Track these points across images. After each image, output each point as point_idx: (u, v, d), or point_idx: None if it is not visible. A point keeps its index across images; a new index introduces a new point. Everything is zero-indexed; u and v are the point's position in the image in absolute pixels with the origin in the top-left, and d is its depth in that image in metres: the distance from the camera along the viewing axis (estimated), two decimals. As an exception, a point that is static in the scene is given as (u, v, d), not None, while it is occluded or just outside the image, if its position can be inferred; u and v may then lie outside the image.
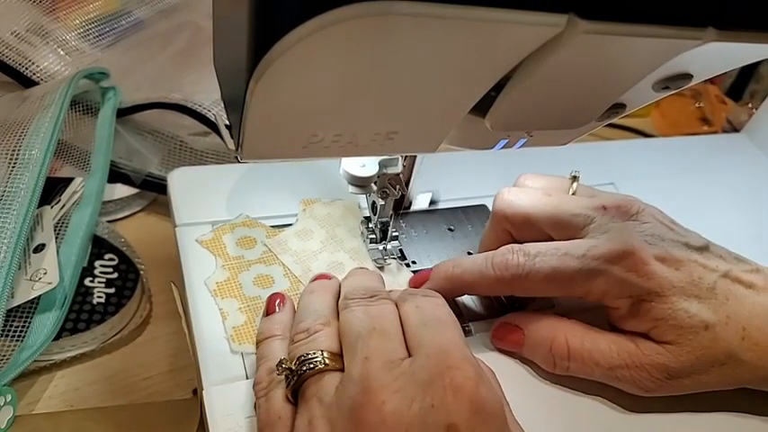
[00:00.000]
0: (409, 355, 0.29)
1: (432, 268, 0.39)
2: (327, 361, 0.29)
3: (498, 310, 0.39)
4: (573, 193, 0.40)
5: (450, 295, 0.39)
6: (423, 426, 0.25)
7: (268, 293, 0.37)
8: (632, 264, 0.34)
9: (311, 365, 0.29)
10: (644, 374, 0.34)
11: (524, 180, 0.42)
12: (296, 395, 0.30)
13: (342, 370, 0.29)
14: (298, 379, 0.29)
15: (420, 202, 0.45)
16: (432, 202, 0.44)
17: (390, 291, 0.37)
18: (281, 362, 0.30)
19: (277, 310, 0.35)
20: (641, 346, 0.34)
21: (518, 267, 0.35)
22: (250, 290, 0.38)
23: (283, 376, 0.30)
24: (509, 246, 0.36)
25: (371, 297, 0.33)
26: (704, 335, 0.33)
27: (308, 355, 0.30)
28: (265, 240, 0.41)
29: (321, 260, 0.41)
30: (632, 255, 0.34)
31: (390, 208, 0.40)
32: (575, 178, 0.40)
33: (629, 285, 0.34)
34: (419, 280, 0.39)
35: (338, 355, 0.30)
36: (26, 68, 0.51)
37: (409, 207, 0.44)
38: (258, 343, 0.34)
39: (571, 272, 0.34)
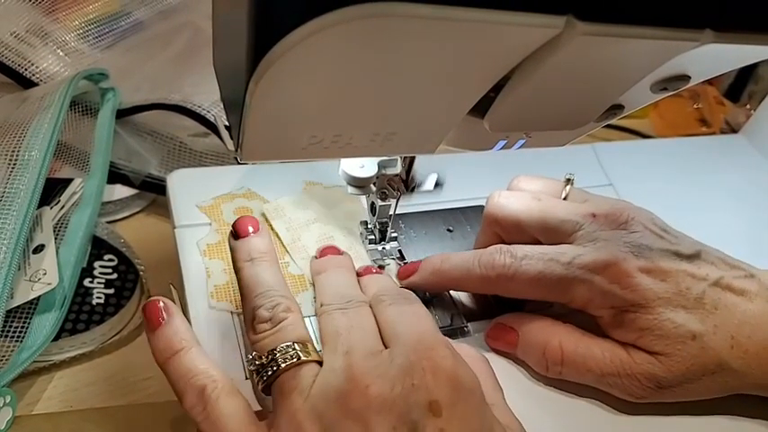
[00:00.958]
0: (386, 347, 0.30)
1: (421, 260, 0.39)
2: (302, 354, 0.29)
3: (496, 311, 0.39)
4: (566, 197, 0.40)
5: (436, 289, 0.39)
6: (406, 405, 0.26)
7: None
8: (616, 275, 0.34)
9: (288, 359, 0.29)
10: (635, 383, 0.34)
11: (518, 182, 0.42)
12: (266, 391, 0.30)
13: (316, 360, 0.30)
14: (273, 374, 0.29)
15: (426, 183, 0.45)
16: (437, 184, 0.43)
17: (361, 269, 0.38)
18: (253, 358, 0.30)
19: (163, 320, 0.32)
20: (633, 354, 0.34)
21: (504, 268, 0.35)
22: None
23: (253, 374, 0.30)
24: (497, 246, 0.37)
25: (347, 302, 0.33)
26: (692, 344, 0.33)
27: (280, 348, 0.30)
28: (262, 207, 0.42)
29: (312, 231, 0.41)
30: (616, 266, 0.34)
31: (389, 209, 0.40)
32: (568, 181, 0.40)
33: (612, 296, 0.34)
34: (407, 271, 0.39)
35: (311, 345, 0.31)
36: (25, 69, 0.51)
37: (414, 190, 0.43)
38: (163, 363, 0.31)
39: (556, 278, 0.34)
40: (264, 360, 0.30)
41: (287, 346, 0.30)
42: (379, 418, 0.26)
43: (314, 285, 0.37)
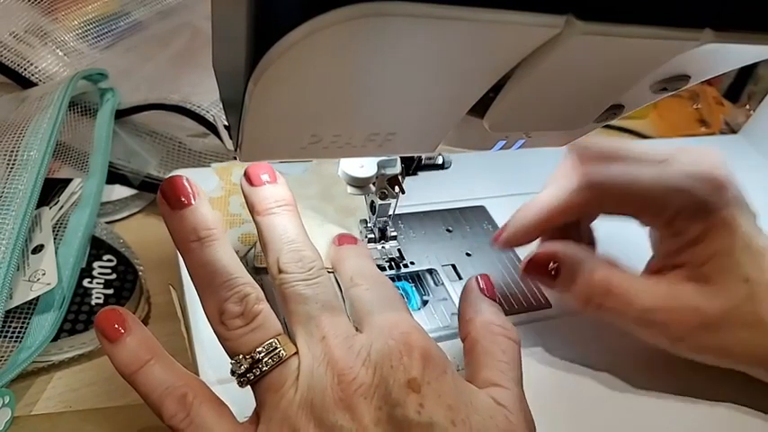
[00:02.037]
0: (361, 330, 0.30)
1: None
2: (283, 352, 0.29)
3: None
4: None
5: (530, 237, 0.40)
6: (387, 386, 0.27)
7: (247, 214, 0.38)
8: (715, 185, 0.35)
9: (272, 360, 0.29)
10: (676, 317, 0.34)
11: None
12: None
13: (294, 353, 0.29)
14: (260, 373, 0.29)
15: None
16: (444, 163, 0.42)
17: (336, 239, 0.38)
18: (237, 362, 0.29)
19: (123, 331, 0.29)
20: (680, 288, 0.34)
21: (598, 174, 0.36)
22: (234, 208, 0.43)
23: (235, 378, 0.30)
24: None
25: (309, 270, 0.31)
26: (742, 287, 0.34)
27: (262, 349, 0.29)
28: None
29: (305, 205, 0.42)
30: (717, 173, 0.35)
31: (389, 209, 0.40)
32: None
33: (706, 209, 0.34)
34: (500, 234, 0.41)
35: (285, 336, 0.30)
36: (24, 69, 0.51)
37: (420, 162, 0.42)
38: (131, 376, 0.29)
39: (651, 180, 0.35)
40: (251, 362, 0.29)
41: (268, 345, 0.29)
42: (365, 403, 0.27)
43: (256, 226, 0.34)
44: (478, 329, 0.33)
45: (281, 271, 0.31)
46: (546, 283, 0.37)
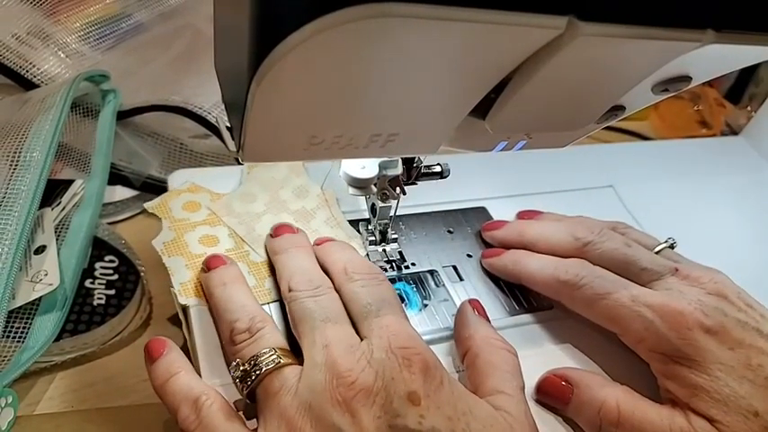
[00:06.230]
0: (360, 335, 0.32)
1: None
2: (281, 359, 0.31)
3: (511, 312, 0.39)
4: (657, 252, 0.40)
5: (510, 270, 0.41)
6: (388, 395, 0.28)
7: (214, 251, 0.39)
8: (676, 324, 0.34)
9: (270, 363, 0.31)
10: None
11: (617, 227, 0.42)
12: (251, 397, 0.31)
13: (294, 364, 0.31)
14: (256, 377, 0.31)
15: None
16: (443, 172, 0.41)
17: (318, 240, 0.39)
18: (236, 365, 0.32)
19: (163, 352, 0.34)
20: (694, 422, 0.32)
21: (577, 277, 0.37)
22: (196, 248, 0.40)
23: (235, 384, 0.32)
24: (583, 261, 0.38)
25: (316, 288, 0.34)
26: (754, 421, 0.32)
27: (261, 353, 0.31)
28: (210, 204, 0.42)
29: (264, 221, 0.42)
30: (680, 316, 0.34)
31: (390, 211, 0.40)
32: (670, 245, 0.41)
33: (666, 342, 0.34)
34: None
35: (288, 351, 0.32)
36: (27, 71, 0.51)
37: (420, 171, 0.40)
38: (160, 388, 0.32)
39: (617, 305, 0.35)
40: (247, 366, 0.31)
41: (267, 351, 0.31)
42: (365, 409, 0.28)
43: (274, 265, 0.38)
44: (479, 344, 0.34)
45: (290, 290, 0.35)
46: (558, 405, 0.36)
